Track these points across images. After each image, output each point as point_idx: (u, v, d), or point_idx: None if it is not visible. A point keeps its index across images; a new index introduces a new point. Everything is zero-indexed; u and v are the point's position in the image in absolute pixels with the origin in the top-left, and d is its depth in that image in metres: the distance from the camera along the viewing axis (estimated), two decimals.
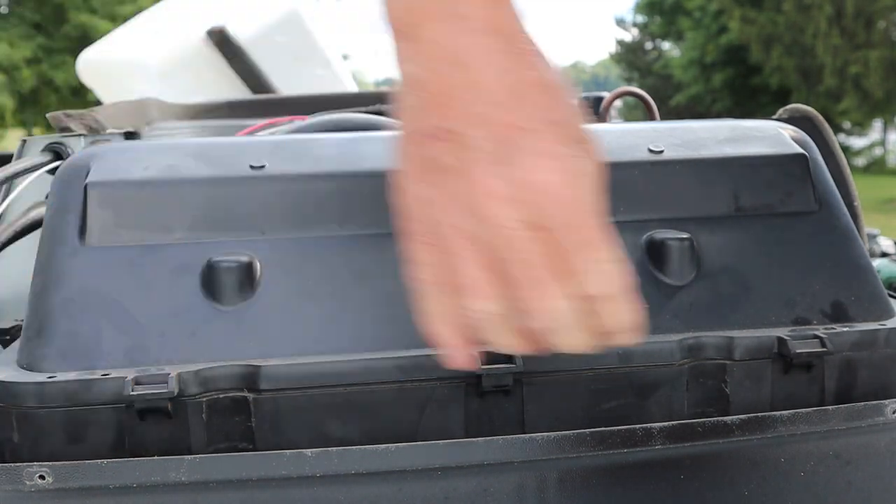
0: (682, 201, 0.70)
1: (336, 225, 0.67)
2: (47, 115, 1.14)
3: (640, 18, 25.51)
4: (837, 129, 17.57)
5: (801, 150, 0.74)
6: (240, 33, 2.03)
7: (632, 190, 0.70)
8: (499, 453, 0.58)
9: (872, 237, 2.08)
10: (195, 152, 0.71)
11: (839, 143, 1.07)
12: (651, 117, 1.31)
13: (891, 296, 0.72)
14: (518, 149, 0.54)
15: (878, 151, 19.92)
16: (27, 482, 0.54)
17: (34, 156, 0.97)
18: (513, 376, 0.61)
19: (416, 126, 0.57)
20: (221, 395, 0.60)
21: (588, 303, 0.53)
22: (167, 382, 0.57)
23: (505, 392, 0.61)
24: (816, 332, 0.65)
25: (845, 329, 0.66)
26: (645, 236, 0.68)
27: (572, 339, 0.54)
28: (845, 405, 0.63)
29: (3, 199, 0.93)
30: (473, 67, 0.55)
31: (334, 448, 0.57)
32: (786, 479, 0.60)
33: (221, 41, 2.02)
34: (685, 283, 0.67)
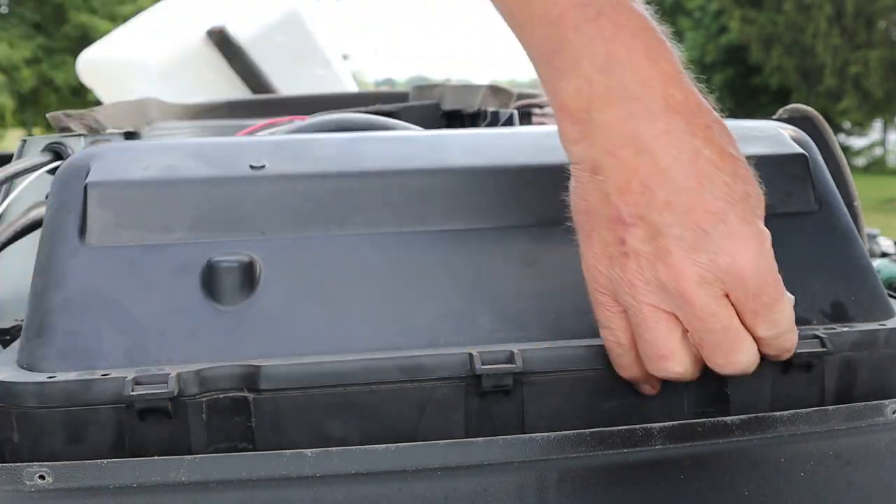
0: None
1: (336, 225, 0.67)
2: (47, 115, 1.14)
3: None
4: (837, 129, 17.56)
5: (801, 150, 0.74)
6: (240, 33, 2.03)
7: None
8: (499, 453, 0.58)
9: (872, 237, 2.08)
10: (195, 152, 0.71)
11: (839, 143, 1.07)
12: None
13: (891, 296, 0.72)
14: (709, 234, 0.55)
15: (878, 151, 19.92)
16: (27, 482, 0.55)
17: (34, 156, 0.97)
18: (513, 376, 0.61)
19: (601, 210, 0.57)
20: (221, 395, 0.60)
21: (765, 345, 0.58)
22: (167, 382, 0.57)
23: (505, 392, 0.61)
24: (816, 332, 0.65)
25: (845, 329, 0.66)
26: None
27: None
28: (845, 405, 0.63)
29: (3, 199, 0.93)
30: (656, 153, 0.56)
31: (334, 448, 0.57)
32: (786, 479, 0.60)
33: (221, 41, 2.02)
34: None
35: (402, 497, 0.56)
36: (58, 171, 0.70)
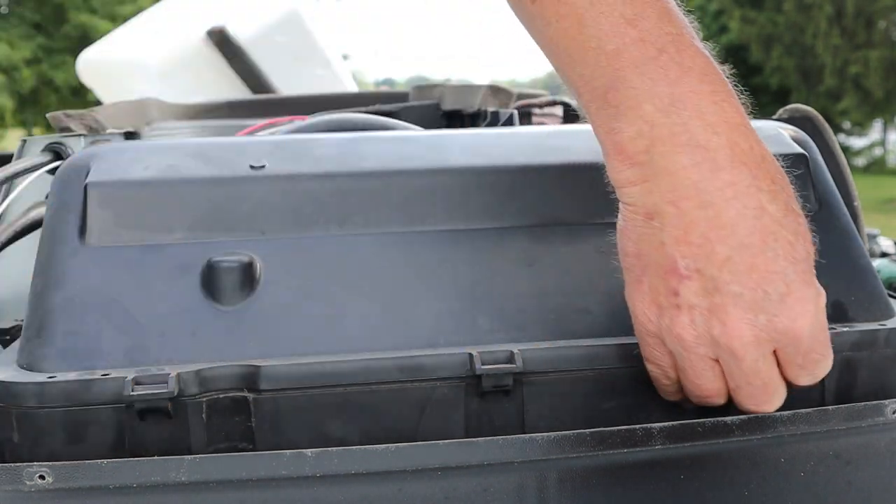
0: None
1: (336, 225, 0.67)
2: (47, 115, 1.14)
3: None
4: (837, 129, 17.55)
5: (801, 150, 0.74)
6: (240, 33, 2.03)
7: None
8: (499, 453, 0.58)
9: (872, 237, 2.08)
10: (195, 152, 0.71)
11: (839, 143, 1.07)
12: None
13: (891, 296, 0.72)
14: (769, 295, 0.54)
15: (878, 151, 19.91)
16: (27, 482, 0.54)
17: (34, 156, 0.97)
18: (513, 376, 0.61)
19: (654, 258, 0.56)
20: (221, 395, 0.60)
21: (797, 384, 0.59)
22: (167, 382, 0.57)
23: (505, 392, 0.61)
24: None
25: (845, 329, 0.66)
26: None
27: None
28: (845, 405, 0.63)
29: (3, 199, 0.93)
30: (720, 206, 0.54)
31: (334, 448, 0.57)
32: (786, 479, 0.60)
33: (221, 41, 2.02)
34: None
35: (402, 497, 0.56)
36: (58, 171, 0.70)
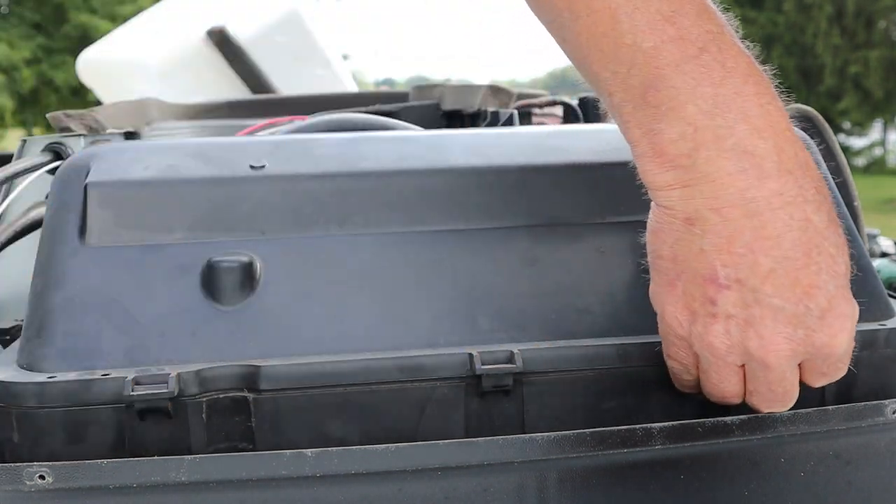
0: None
1: (336, 225, 0.67)
2: (47, 115, 1.14)
3: None
4: (837, 129, 17.55)
5: None
6: (240, 33, 2.03)
7: (632, 190, 0.70)
8: (499, 453, 0.58)
9: (872, 237, 2.08)
10: (195, 152, 0.71)
11: (839, 143, 1.07)
12: None
13: (891, 296, 0.72)
14: (810, 310, 0.53)
15: (878, 151, 19.90)
16: (27, 482, 0.54)
17: (34, 156, 0.97)
18: (513, 376, 0.61)
19: (692, 264, 0.54)
20: (221, 395, 0.60)
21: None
22: (167, 382, 0.57)
23: (505, 392, 0.61)
24: None
25: None
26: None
27: None
28: (845, 405, 0.63)
29: (3, 199, 0.93)
30: (766, 216, 0.52)
31: (334, 448, 0.57)
32: (786, 479, 0.60)
33: (221, 41, 2.02)
34: None
35: (402, 497, 0.56)
36: (58, 171, 0.70)
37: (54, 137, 1.03)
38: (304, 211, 0.67)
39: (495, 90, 1.42)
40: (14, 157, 1.06)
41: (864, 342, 0.65)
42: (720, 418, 0.60)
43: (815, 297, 0.52)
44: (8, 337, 0.78)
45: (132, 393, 0.57)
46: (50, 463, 0.55)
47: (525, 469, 0.58)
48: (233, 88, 2.04)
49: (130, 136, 1.23)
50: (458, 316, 0.64)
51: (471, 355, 0.61)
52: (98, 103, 1.97)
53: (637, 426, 0.59)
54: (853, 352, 0.56)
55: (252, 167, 0.68)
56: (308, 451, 0.56)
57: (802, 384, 0.58)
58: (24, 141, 1.12)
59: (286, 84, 2.08)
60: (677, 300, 0.56)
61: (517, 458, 0.58)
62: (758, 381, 0.56)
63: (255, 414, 0.60)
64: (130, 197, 0.66)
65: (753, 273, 0.52)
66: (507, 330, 0.64)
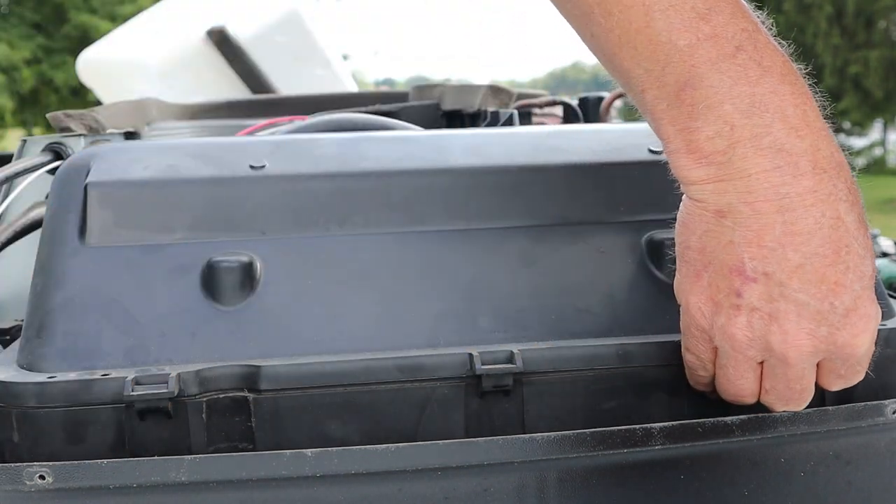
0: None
1: (336, 225, 0.67)
2: (47, 115, 1.14)
3: None
4: (837, 129, 17.55)
5: None
6: (240, 33, 2.03)
7: (632, 190, 0.70)
8: (499, 453, 0.58)
9: (873, 237, 2.08)
10: (195, 152, 0.71)
11: (839, 143, 1.07)
12: None
13: (891, 296, 0.72)
14: (835, 308, 0.53)
15: (878, 151, 19.90)
16: (27, 482, 0.54)
17: (34, 156, 0.97)
18: (513, 376, 0.61)
19: (720, 256, 0.55)
20: (221, 395, 0.60)
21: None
22: (167, 382, 0.57)
23: (505, 392, 0.61)
24: None
25: None
26: (645, 236, 0.68)
27: None
28: (845, 405, 0.63)
29: (3, 199, 0.93)
30: (798, 213, 0.52)
31: (334, 448, 0.57)
32: (786, 479, 0.60)
33: (221, 41, 2.02)
34: None
35: (402, 497, 0.56)
36: (58, 171, 0.70)
37: (54, 137, 1.03)
38: (304, 211, 0.67)
39: (495, 90, 1.41)
40: (14, 157, 1.06)
41: None
42: (720, 418, 0.60)
43: (840, 295, 0.53)
44: (8, 337, 0.78)
45: (132, 393, 0.57)
46: (50, 463, 0.55)
47: (525, 469, 0.58)
48: (233, 88, 2.04)
49: (130, 136, 1.23)
50: (458, 316, 0.64)
51: (471, 355, 0.61)
52: (98, 103, 1.97)
53: (637, 426, 0.59)
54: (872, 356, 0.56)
55: (252, 167, 0.68)
56: (308, 451, 0.56)
57: (816, 387, 0.58)
58: (24, 141, 1.12)
59: (286, 84, 2.08)
60: (702, 291, 0.56)
61: (517, 458, 0.58)
62: (776, 378, 0.56)
63: (255, 414, 0.60)
64: (130, 197, 0.66)
65: (781, 267, 0.53)
66: (507, 330, 0.64)
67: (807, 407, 0.62)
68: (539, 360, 0.62)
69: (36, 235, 0.75)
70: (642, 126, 0.78)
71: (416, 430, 0.61)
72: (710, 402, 0.64)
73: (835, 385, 0.57)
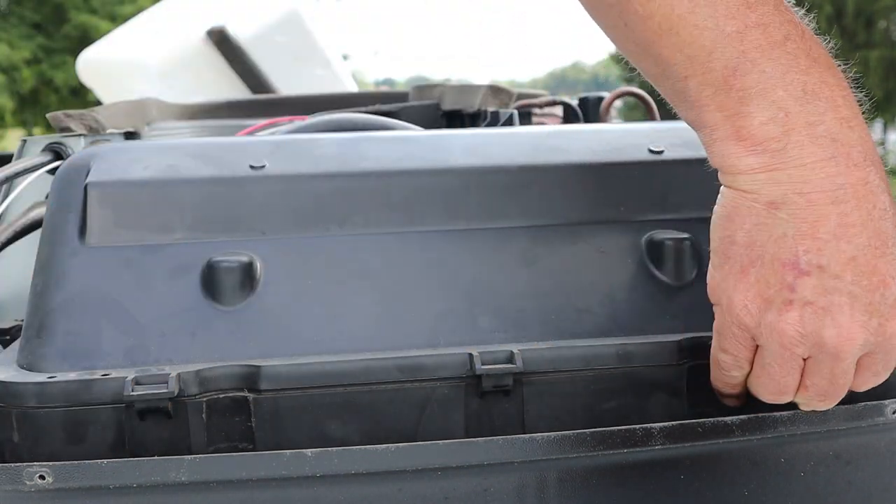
0: (682, 201, 0.70)
1: (336, 225, 0.67)
2: (47, 115, 1.14)
3: None
4: None
5: None
6: (240, 33, 2.03)
7: (632, 190, 0.70)
8: (499, 453, 0.58)
9: None
10: (195, 152, 0.71)
11: None
12: (651, 117, 1.31)
13: None
14: (885, 299, 0.53)
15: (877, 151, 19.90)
16: (27, 482, 0.54)
17: (34, 156, 0.97)
18: (513, 376, 0.61)
19: (771, 250, 0.53)
20: (221, 395, 0.60)
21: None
22: (167, 382, 0.57)
23: (505, 392, 0.61)
24: None
25: None
26: (645, 236, 0.68)
27: None
28: (845, 405, 0.63)
29: (3, 199, 0.93)
30: (852, 204, 0.52)
31: (334, 448, 0.57)
32: (786, 479, 0.60)
33: (221, 41, 2.02)
34: (685, 283, 0.67)
35: (402, 497, 0.56)
36: (58, 171, 0.70)
37: (54, 137, 1.03)
38: (304, 211, 0.67)
39: (495, 90, 1.41)
40: (14, 157, 1.07)
41: None
42: (720, 418, 0.60)
43: (890, 286, 0.53)
44: (8, 337, 0.78)
45: (132, 393, 0.57)
46: (50, 463, 0.55)
47: (525, 469, 0.58)
48: (233, 88, 2.04)
49: (130, 136, 1.23)
50: (458, 316, 0.64)
51: (471, 355, 0.61)
52: (98, 103, 1.97)
53: (637, 426, 0.59)
54: None
55: (252, 167, 0.68)
56: (308, 451, 0.56)
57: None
58: (24, 141, 1.12)
59: (286, 84, 2.08)
60: (749, 288, 0.55)
61: (517, 458, 0.58)
62: (820, 374, 0.55)
63: (255, 414, 0.60)
64: (130, 197, 0.66)
65: (835, 260, 0.52)
66: (507, 330, 0.64)
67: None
68: (539, 360, 0.62)
69: (36, 235, 0.75)
70: (642, 126, 0.78)
71: (416, 430, 0.61)
72: (710, 401, 0.64)
73: (867, 383, 0.57)
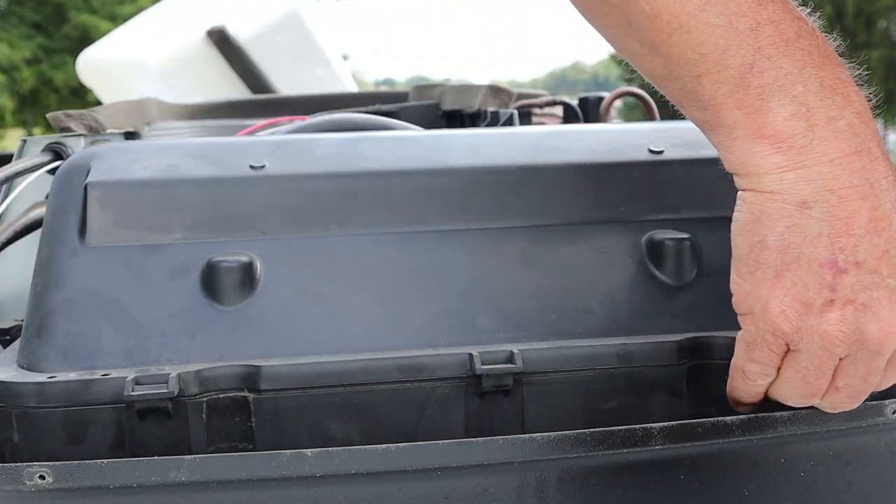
0: (682, 201, 0.70)
1: (336, 225, 0.67)
2: (47, 115, 1.14)
3: None
4: None
5: None
6: (240, 33, 2.03)
7: (632, 190, 0.70)
8: (499, 453, 0.58)
9: None
10: (195, 152, 0.71)
11: None
12: (651, 117, 1.31)
13: None
14: None
15: None
16: (27, 482, 0.54)
17: (34, 156, 0.97)
18: (513, 376, 0.61)
19: (806, 251, 0.52)
20: (221, 395, 0.60)
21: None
22: (167, 382, 0.57)
23: (505, 392, 0.61)
24: None
25: None
26: (645, 236, 0.68)
27: None
28: None
29: (3, 199, 0.93)
30: (879, 197, 0.51)
31: (334, 448, 0.57)
32: (786, 479, 0.60)
33: (221, 41, 2.02)
34: (685, 283, 0.67)
35: (402, 497, 0.56)
36: (58, 171, 0.70)
37: (54, 137, 1.03)
38: (304, 211, 0.67)
39: (495, 90, 1.41)
40: (14, 157, 1.06)
41: None
42: (720, 418, 0.60)
43: None
44: (8, 337, 0.78)
45: (132, 393, 0.57)
46: (50, 463, 0.55)
47: (525, 469, 0.58)
48: (233, 88, 2.04)
49: (130, 136, 1.23)
50: (458, 316, 0.64)
51: (471, 355, 0.61)
52: (98, 103, 1.97)
53: (637, 426, 0.59)
54: None
55: (252, 167, 0.68)
56: (308, 451, 0.56)
57: None
58: (24, 141, 1.12)
59: (286, 84, 2.08)
60: (785, 293, 0.53)
61: (517, 458, 0.58)
62: (856, 373, 0.55)
63: (255, 414, 0.60)
64: (130, 197, 0.66)
65: (871, 254, 0.52)
66: (507, 330, 0.64)
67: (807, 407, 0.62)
68: (539, 360, 0.62)
69: (36, 235, 0.75)
70: (642, 126, 0.78)
71: (416, 430, 0.61)
72: (710, 401, 0.64)
73: (886, 383, 0.56)
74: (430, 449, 0.57)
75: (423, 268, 0.66)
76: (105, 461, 0.55)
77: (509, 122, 1.31)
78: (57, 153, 0.98)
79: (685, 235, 0.68)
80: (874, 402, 0.63)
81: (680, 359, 0.63)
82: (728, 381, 0.60)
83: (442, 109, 1.46)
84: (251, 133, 1.13)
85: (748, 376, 0.58)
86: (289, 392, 0.60)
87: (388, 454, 0.57)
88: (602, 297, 0.66)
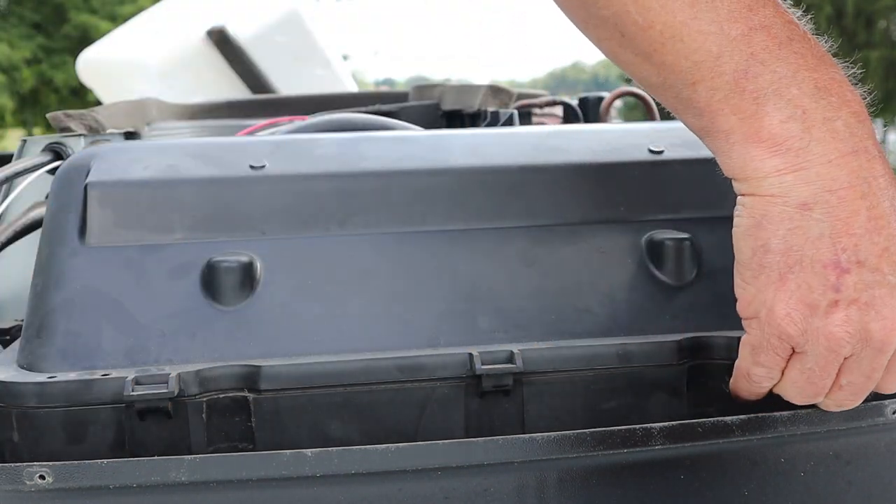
0: (682, 201, 0.70)
1: (336, 225, 0.67)
2: (47, 115, 1.14)
3: None
4: None
5: None
6: (240, 33, 2.03)
7: (632, 190, 0.70)
8: (499, 453, 0.58)
9: None
10: (195, 152, 0.71)
11: None
12: (651, 117, 1.31)
13: None
14: None
15: None
16: (27, 482, 0.54)
17: (34, 156, 0.97)
18: (513, 376, 0.61)
19: (809, 252, 0.53)
20: (221, 395, 0.60)
21: None
22: (167, 382, 0.57)
23: (505, 392, 0.61)
24: None
25: None
26: (645, 236, 0.68)
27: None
28: None
29: (3, 199, 0.93)
30: (877, 196, 0.52)
31: (334, 448, 0.57)
32: (786, 479, 0.60)
33: (221, 41, 2.02)
34: (685, 283, 0.67)
35: (402, 497, 0.56)
36: (58, 171, 0.70)
37: (54, 137, 1.03)
38: (304, 211, 0.67)
39: (495, 90, 1.41)
40: (14, 157, 1.06)
41: None
42: (720, 418, 0.60)
43: None
44: (8, 337, 0.78)
45: (132, 393, 0.57)
46: (50, 463, 0.55)
47: (525, 469, 0.58)
48: (233, 88, 2.04)
49: (130, 136, 1.23)
50: (458, 316, 0.64)
51: (471, 355, 0.61)
52: (98, 103, 1.97)
53: (637, 426, 0.59)
54: None
55: (252, 167, 0.68)
56: (308, 451, 0.56)
57: None
58: (24, 141, 1.12)
59: (286, 84, 2.08)
60: (790, 296, 0.53)
61: (517, 458, 0.58)
62: (860, 371, 0.55)
63: (255, 414, 0.60)
64: (130, 197, 0.66)
65: (872, 253, 0.52)
66: (507, 330, 0.64)
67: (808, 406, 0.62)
68: (539, 360, 0.62)
69: (36, 235, 0.75)
70: (642, 126, 0.78)
71: (416, 430, 0.61)
72: (710, 401, 0.64)
73: (889, 385, 0.57)
74: (429, 449, 0.57)
75: (423, 268, 0.66)
76: (105, 461, 0.55)
77: (509, 122, 1.31)
78: (57, 153, 0.98)
79: (685, 235, 0.68)
80: (874, 402, 0.63)
81: (680, 359, 0.63)
82: (731, 382, 0.61)
83: (442, 109, 1.46)
84: (251, 133, 1.13)
85: (753, 379, 0.58)
86: (289, 392, 0.60)
87: (388, 454, 0.57)
88: (602, 297, 0.66)
